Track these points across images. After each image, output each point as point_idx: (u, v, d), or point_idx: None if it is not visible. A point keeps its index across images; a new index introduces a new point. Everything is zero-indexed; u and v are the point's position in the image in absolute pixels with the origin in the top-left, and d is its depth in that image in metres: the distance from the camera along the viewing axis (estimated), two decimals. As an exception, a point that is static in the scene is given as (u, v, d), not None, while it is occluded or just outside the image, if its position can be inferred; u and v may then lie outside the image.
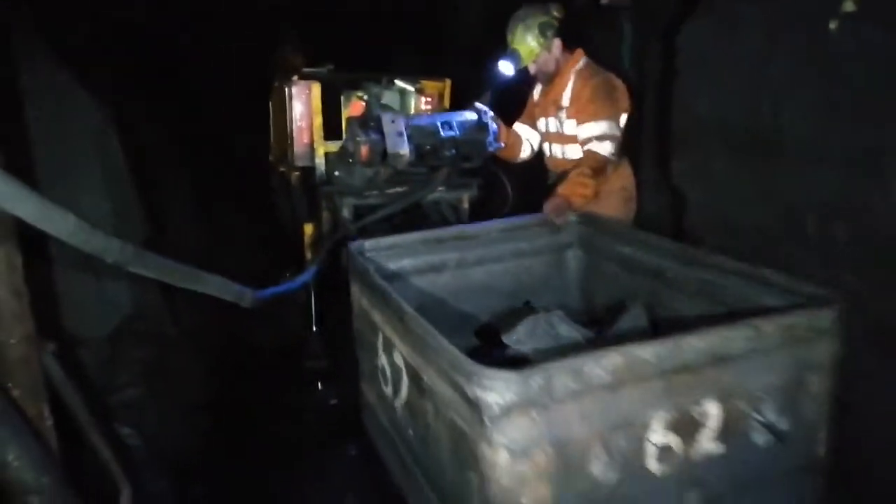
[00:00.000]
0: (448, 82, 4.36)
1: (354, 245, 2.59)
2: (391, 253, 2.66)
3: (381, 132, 3.21)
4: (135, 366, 2.87)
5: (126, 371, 2.79)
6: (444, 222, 3.66)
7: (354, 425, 2.75)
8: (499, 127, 3.43)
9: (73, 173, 2.70)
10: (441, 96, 4.34)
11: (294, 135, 3.96)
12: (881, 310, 2.20)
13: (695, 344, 1.57)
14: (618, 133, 3.00)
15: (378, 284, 2.12)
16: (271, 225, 5.50)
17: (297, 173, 4.13)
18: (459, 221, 3.67)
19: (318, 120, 3.95)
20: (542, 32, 3.03)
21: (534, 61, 3.11)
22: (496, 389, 1.39)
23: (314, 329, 3.89)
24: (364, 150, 3.24)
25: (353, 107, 4.07)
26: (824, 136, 2.36)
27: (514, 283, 2.88)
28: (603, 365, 1.47)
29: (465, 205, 3.81)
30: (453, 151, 3.40)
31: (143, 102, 3.85)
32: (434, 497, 1.88)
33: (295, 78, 4.01)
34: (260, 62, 5.97)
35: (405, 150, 3.20)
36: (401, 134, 3.20)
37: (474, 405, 1.44)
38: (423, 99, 4.22)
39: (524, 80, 3.34)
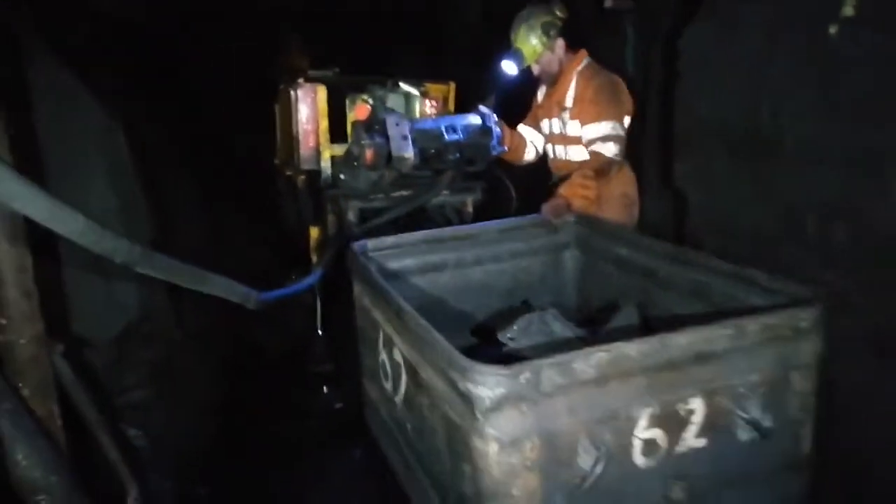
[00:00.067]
0: (452, 85, 4.38)
1: (357, 245, 2.63)
2: (392, 252, 2.72)
3: (385, 136, 3.24)
4: (142, 367, 2.88)
5: (133, 372, 2.81)
6: (448, 225, 3.68)
7: (358, 428, 2.77)
8: (502, 130, 3.45)
9: (80, 173, 2.71)
10: (445, 99, 4.36)
11: (300, 138, 3.98)
12: (880, 310, 2.21)
13: (679, 342, 1.62)
14: (622, 133, 3.01)
15: (378, 283, 2.17)
16: (272, 225, 5.55)
17: (302, 176, 4.15)
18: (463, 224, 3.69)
19: (324, 123, 3.96)
20: (546, 32, 3.05)
21: (537, 61, 3.13)
22: (487, 384, 1.45)
23: (319, 332, 3.91)
24: (369, 153, 3.26)
25: (359, 110, 4.08)
26: (824, 137, 2.37)
27: (513, 282, 2.94)
28: (589, 361, 1.53)
29: (469, 208, 3.83)
30: (457, 155, 3.42)
31: (144, 102, 3.87)
32: (431, 487, 1.94)
33: (300, 81, 4.04)
34: (260, 62, 6.01)
35: (409, 153, 3.21)
36: (405, 137, 3.22)
37: (467, 399, 1.50)
38: (427, 102, 4.24)
39: (528, 83, 3.36)
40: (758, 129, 2.65)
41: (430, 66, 5.81)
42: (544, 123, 3.34)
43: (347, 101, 4.16)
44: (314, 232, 4.07)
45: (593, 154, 3.02)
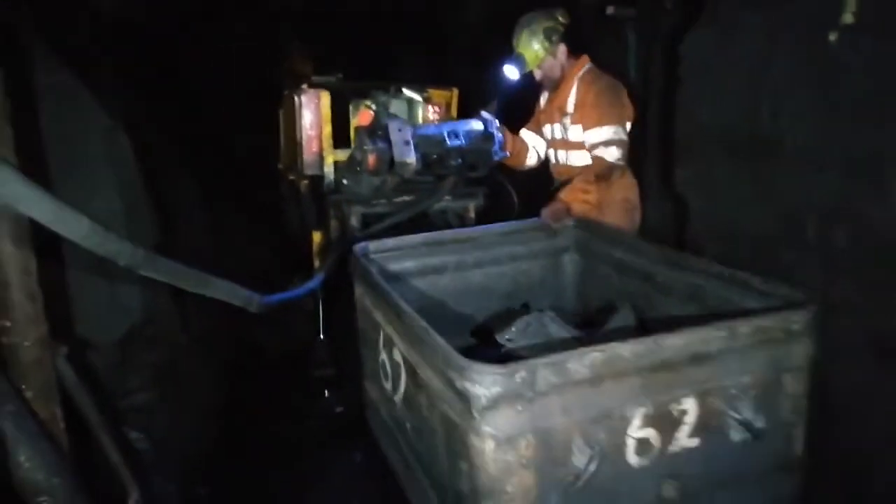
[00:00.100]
0: (455, 91, 4.40)
1: (358, 247, 2.66)
2: (393, 255, 2.76)
3: (388, 141, 3.25)
4: (145, 370, 2.89)
5: (136, 375, 2.82)
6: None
7: (359, 432, 2.79)
8: (504, 136, 3.47)
9: (84, 175, 2.72)
10: (448, 105, 4.38)
11: (303, 143, 4.00)
12: (880, 312, 2.22)
13: (672, 343, 1.65)
14: (624, 137, 3.02)
15: (379, 285, 2.21)
16: (273, 227, 5.56)
17: (305, 181, 4.17)
18: (465, 230, 3.71)
19: (328, 129, 3.99)
20: (548, 37, 3.06)
21: (538, 66, 3.14)
22: (483, 383, 1.49)
23: (321, 337, 3.93)
24: (371, 158, 3.28)
25: (362, 116, 4.10)
26: (824, 142, 2.39)
27: (513, 284, 2.97)
28: (584, 361, 1.56)
29: (472, 213, 3.84)
30: (459, 161, 3.44)
31: (145, 102, 3.88)
32: (429, 486, 1.97)
33: (304, 87, 4.06)
34: (261, 62, 6.04)
35: (412, 158, 3.23)
36: (408, 143, 3.24)
37: (464, 397, 1.53)
38: (430, 108, 4.26)
39: (531, 88, 3.38)
40: (758, 133, 2.66)
41: (433, 68, 5.84)
42: (546, 129, 3.36)
43: (351, 107, 4.19)
44: (317, 236, 4.09)
45: (595, 158, 3.03)
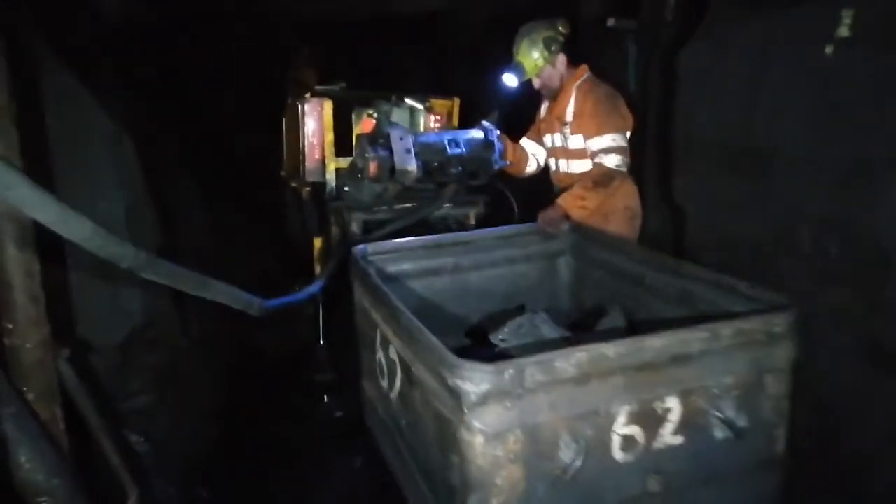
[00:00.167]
0: (457, 101, 4.43)
1: (357, 249, 2.71)
2: (392, 257, 2.82)
3: (389, 149, 3.28)
4: (146, 372, 2.91)
5: (137, 378, 2.83)
6: (449, 236, 3.71)
7: (359, 436, 2.80)
8: (505, 144, 3.50)
9: (87, 177, 2.74)
10: (450, 114, 4.41)
11: (306, 151, 4.04)
12: (873, 320, 2.24)
13: (654, 344, 1.70)
14: (623, 144, 3.05)
15: (376, 286, 2.26)
16: (272, 226, 5.58)
17: (308, 188, 4.20)
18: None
19: (330, 136, 4.02)
20: (547, 47, 3.09)
21: (537, 75, 3.17)
22: (473, 380, 1.55)
23: (321, 342, 3.95)
24: (373, 166, 3.31)
25: (364, 124, 4.14)
26: (818, 152, 2.42)
27: (509, 287, 3.03)
28: (570, 360, 1.62)
29: (472, 221, 3.86)
30: (460, 168, 3.47)
31: (145, 103, 3.91)
32: (423, 479, 2.03)
33: (308, 95, 4.10)
34: (261, 62, 6.07)
35: (413, 166, 3.26)
36: (409, 151, 3.27)
37: (455, 394, 1.59)
38: (432, 117, 4.29)
39: (532, 97, 3.41)
40: (754, 143, 2.70)
41: (435, 78, 5.87)
42: (547, 138, 3.39)
43: (354, 116, 4.22)
44: (318, 242, 4.11)
45: (595, 165, 3.06)
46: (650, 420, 1.72)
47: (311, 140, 4.03)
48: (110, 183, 2.94)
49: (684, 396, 1.74)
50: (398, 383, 2.15)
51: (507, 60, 3.23)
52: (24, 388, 1.78)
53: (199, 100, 5.62)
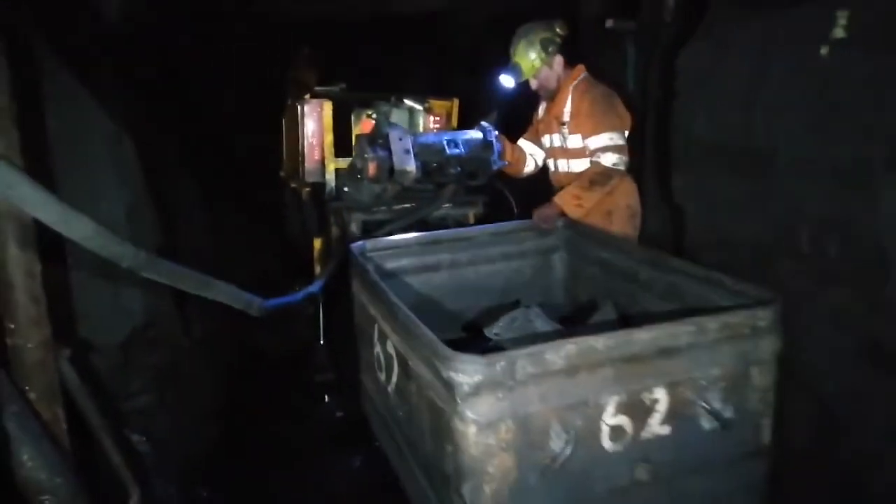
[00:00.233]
0: (456, 102, 4.45)
1: (356, 245, 2.74)
2: (390, 253, 2.87)
3: (388, 149, 3.29)
4: (147, 372, 2.92)
5: (138, 377, 2.84)
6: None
7: (359, 435, 2.81)
8: (503, 145, 3.51)
9: (88, 177, 2.75)
10: (449, 115, 4.43)
11: (305, 151, 4.05)
12: (872, 320, 2.25)
13: (642, 337, 1.74)
14: (621, 142, 3.06)
15: (374, 281, 2.30)
16: (272, 226, 5.59)
17: (307, 189, 4.22)
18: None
19: (329, 137, 4.04)
20: (544, 48, 3.11)
21: (534, 76, 3.18)
22: (466, 372, 1.60)
23: (321, 342, 3.96)
24: (372, 166, 3.32)
25: (364, 125, 4.16)
26: (816, 153, 2.42)
27: (505, 282, 3.07)
28: (560, 353, 1.66)
29: (471, 221, 3.87)
30: (458, 169, 3.48)
31: (145, 103, 3.92)
32: (418, 467, 2.08)
33: (307, 96, 4.11)
34: (261, 62, 6.07)
35: (412, 167, 3.27)
36: (408, 151, 3.28)
37: (449, 385, 1.64)
38: (431, 117, 4.31)
39: (530, 98, 3.42)
40: (752, 144, 2.71)
41: (434, 79, 5.87)
42: (545, 139, 3.40)
43: (353, 117, 4.23)
44: (318, 243, 4.13)
45: (592, 164, 3.08)
46: (638, 411, 1.77)
47: (310, 141, 4.04)
48: (110, 183, 2.94)
49: (672, 388, 1.79)
50: (395, 376, 2.20)
51: (506, 61, 3.24)
52: (26, 388, 1.80)
53: (199, 100, 5.62)
